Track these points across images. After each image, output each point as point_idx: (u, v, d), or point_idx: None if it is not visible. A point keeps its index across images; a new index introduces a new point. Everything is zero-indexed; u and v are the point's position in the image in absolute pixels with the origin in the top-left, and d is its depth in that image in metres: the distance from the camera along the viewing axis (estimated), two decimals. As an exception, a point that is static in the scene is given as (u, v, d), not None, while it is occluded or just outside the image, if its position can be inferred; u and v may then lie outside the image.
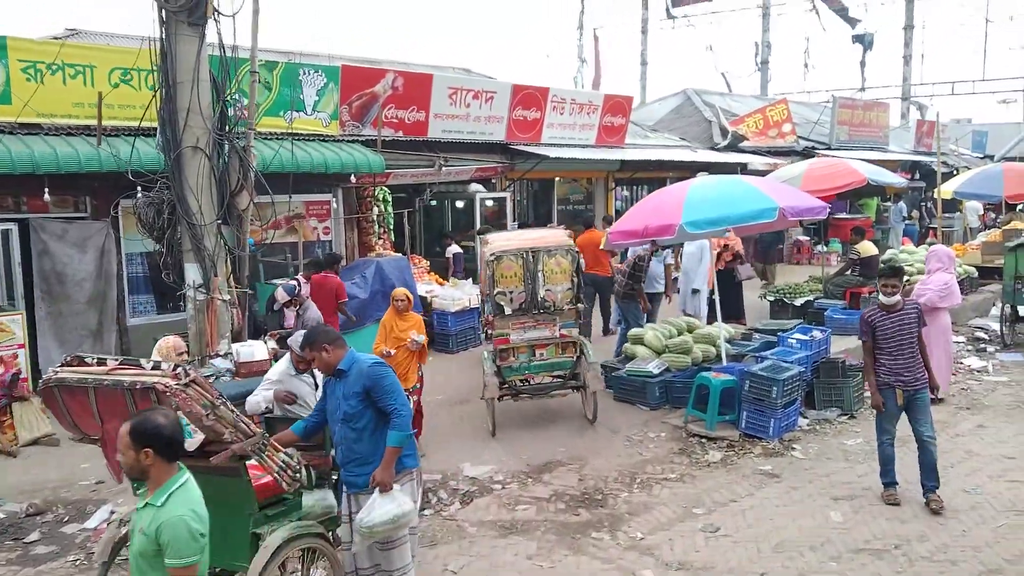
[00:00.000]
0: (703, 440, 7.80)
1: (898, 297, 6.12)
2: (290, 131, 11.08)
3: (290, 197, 11.25)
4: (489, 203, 14.66)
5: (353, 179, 11.51)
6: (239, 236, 7.94)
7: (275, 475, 4.08)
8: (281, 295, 8.32)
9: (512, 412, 8.76)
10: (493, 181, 14.57)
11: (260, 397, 5.38)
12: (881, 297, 6.15)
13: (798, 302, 11.77)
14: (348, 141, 11.75)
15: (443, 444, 7.93)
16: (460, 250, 13.27)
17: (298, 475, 4.18)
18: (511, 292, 8.04)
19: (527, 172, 14.58)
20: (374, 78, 12.01)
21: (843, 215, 22.28)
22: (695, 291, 10.37)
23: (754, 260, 15.41)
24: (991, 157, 28.10)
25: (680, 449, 7.64)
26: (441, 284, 12.38)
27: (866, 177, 11.48)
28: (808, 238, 19.63)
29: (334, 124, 11.66)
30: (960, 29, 69.86)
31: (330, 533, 4.67)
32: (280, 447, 4.20)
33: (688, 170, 17.90)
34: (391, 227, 12.56)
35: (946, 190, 15.42)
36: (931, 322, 8.76)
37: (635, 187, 18.13)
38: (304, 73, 11.25)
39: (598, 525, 6.09)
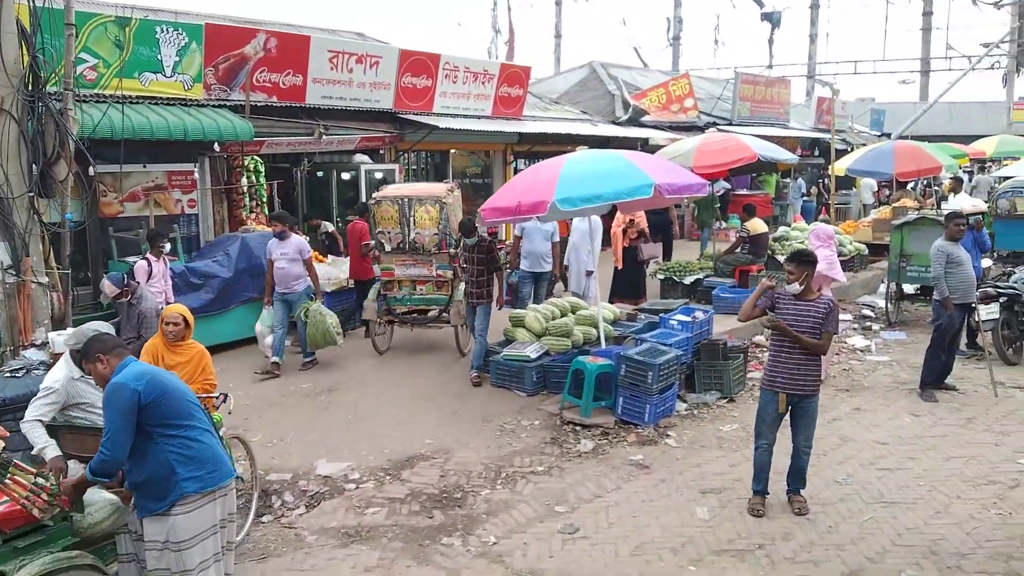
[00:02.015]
0: (577, 428, 7.40)
1: (798, 286, 5.49)
2: (148, 94, 10.12)
3: (144, 166, 10.32)
4: (379, 175, 13.90)
5: (217, 147, 10.59)
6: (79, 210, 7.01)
7: (22, 501, 3.38)
8: (108, 288, 7.06)
9: (386, 397, 8.21)
10: (381, 152, 13.82)
11: (40, 412, 4.48)
12: (785, 284, 5.72)
13: (688, 280, 11.53)
14: (215, 106, 10.81)
15: (301, 437, 7.30)
16: (333, 228, 12.49)
17: (55, 499, 3.49)
18: (389, 232, 9.64)
19: (417, 143, 13.88)
20: (243, 38, 11.07)
21: (743, 191, 22.41)
22: (589, 272, 9.95)
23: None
24: (888, 135, 28.76)
25: (552, 438, 7.21)
26: (321, 262, 11.62)
27: (757, 153, 11.27)
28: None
29: (198, 87, 10.68)
30: (863, 10, 71.81)
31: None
32: (30, 469, 3.50)
33: (589, 144, 17.56)
34: (264, 200, 11.70)
35: (839, 167, 15.48)
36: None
37: (534, 160, 17.57)
38: (162, 31, 10.22)
39: (451, 529, 5.60)
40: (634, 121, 18.92)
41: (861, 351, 9.94)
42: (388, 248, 9.64)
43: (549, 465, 6.66)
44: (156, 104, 10.15)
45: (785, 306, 5.53)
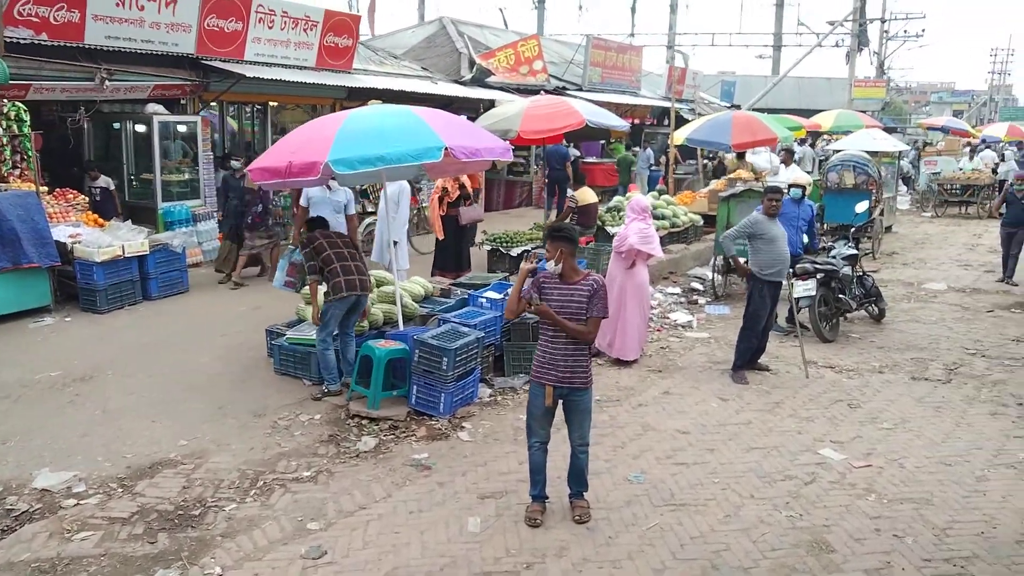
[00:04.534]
0: (364, 422, 6.57)
1: (555, 265, 4.82)
2: None
3: None
4: (182, 128, 12.41)
5: (-41, 91, 8.93)
6: None
7: None
8: None
9: (150, 388, 7.08)
10: (183, 102, 12.32)
11: None
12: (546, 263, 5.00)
13: (515, 252, 10.87)
14: (-41, 41, 9.09)
15: (26, 441, 6.09)
16: (109, 183, 11.04)
17: None
18: None
19: (224, 93, 12.47)
20: (-6, -40, 9.35)
21: (592, 159, 22.14)
22: (395, 242, 9.03)
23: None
24: (739, 107, 29.30)
25: (331, 436, 6.35)
26: (101, 226, 10.18)
27: (585, 119, 10.67)
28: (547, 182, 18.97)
29: (-63, 18, 8.94)
30: (723, -17, 73.56)
31: None
32: None
33: (431, 104, 16.56)
34: (29, 153, 10.06)
35: (678, 136, 15.23)
36: (628, 279, 8.11)
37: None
38: None
39: (172, 558, 4.64)
40: (479, 82, 18.04)
41: (683, 327, 9.60)
42: None
43: (318, 469, 5.79)
44: None
45: (550, 289, 4.86)
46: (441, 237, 10.27)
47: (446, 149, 6.17)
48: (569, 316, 4.80)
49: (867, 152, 15.54)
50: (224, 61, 12.13)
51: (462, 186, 9.98)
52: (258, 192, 10.35)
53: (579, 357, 4.85)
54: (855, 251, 9.69)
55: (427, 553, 4.67)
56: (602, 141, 22.15)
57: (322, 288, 6.98)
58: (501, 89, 18.14)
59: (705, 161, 19.83)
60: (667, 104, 24.59)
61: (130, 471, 5.72)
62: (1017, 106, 67.49)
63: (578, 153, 20.05)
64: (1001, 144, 27.06)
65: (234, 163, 10.94)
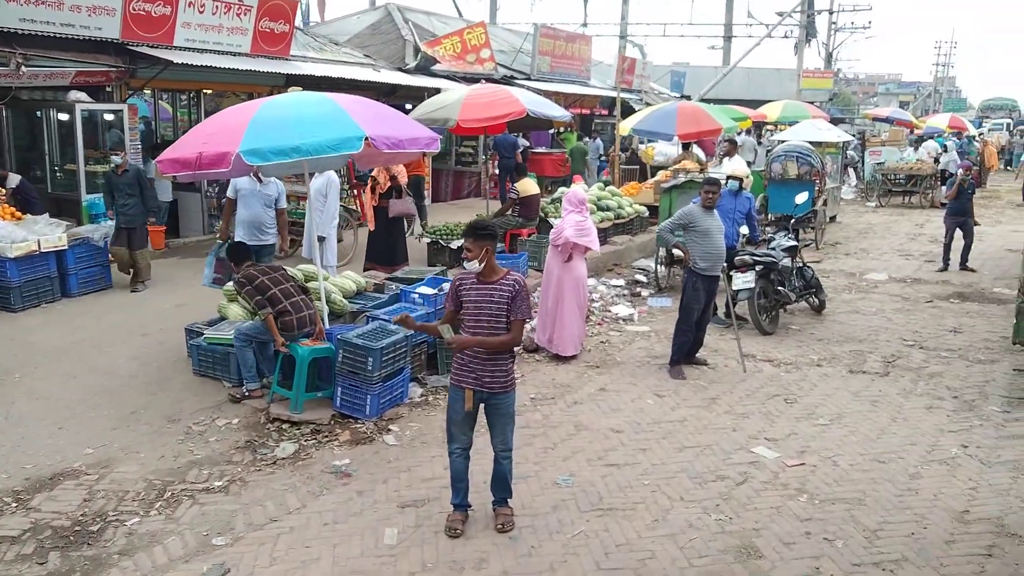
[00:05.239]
0: (285, 427, 6.27)
1: (477, 264, 4.53)
2: None
3: None
4: (109, 116, 11.86)
5: None
6: None
7: None
8: None
9: (60, 391, 6.68)
10: (109, 89, 11.76)
11: None
12: (464, 264, 4.75)
13: (455, 245, 10.58)
14: None
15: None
16: (16, 180, 10.42)
17: None
18: None
19: (152, 80, 11.94)
20: None
21: (542, 149, 21.90)
22: (321, 238, 8.70)
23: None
24: (688, 97, 29.32)
25: (248, 442, 6.03)
26: (20, 219, 9.64)
27: (526, 108, 10.41)
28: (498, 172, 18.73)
29: None
30: (676, -26, 73.72)
31: None
32: None
33: (373, 92, 16.16)
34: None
35: (624, 127, 15.09)
36: (565, 273, 7.92)
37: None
38: None
39: (60, 580, 4.31)
40: (424, 70, 17.65)
41: (624, 320, 9.44)
42: None
43: (231, 478, 5.48)
44: None
45: (467, 290, 4.61)
46: (372, 228, 9.95)
47: (367, 139, 5.88)
48: (488, 317, 4.56)
49: (811, 143, 15.58)
50: (152, 47, 11.59)
51: (393, 178, 9.65)
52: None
53: (499, 360, 4.62)
54: (795, 242, 9.62)
55: (338, 570, 4.41)
56: (551, 131, 21.88)
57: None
58: (447, 78, 17.77)
59: (621, 152, 19.73)
60: (612, 93, 24.52)
61: (28, 483, 5.35)
62: (960, 97, 69.14)
63: (527, 143, 19.80)
64: (944, 135, 27.52)
65: (114, 159, 9.82)
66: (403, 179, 10.11)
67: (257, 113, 5.94)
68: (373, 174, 9.70)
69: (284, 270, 6.86)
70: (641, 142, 15.00)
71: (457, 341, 4.53)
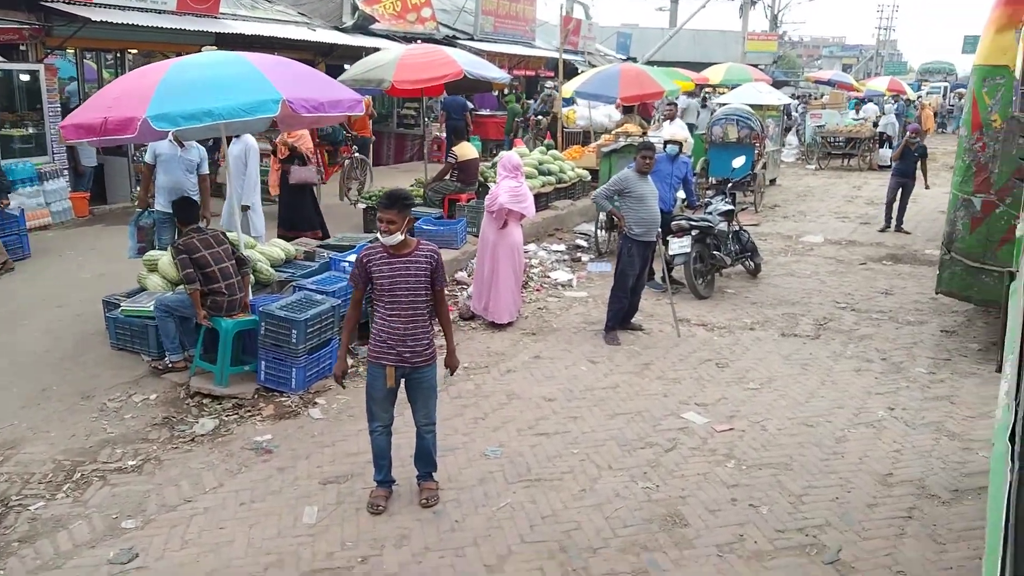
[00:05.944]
0: (204, 401, 6.04)
1: (399, 237, 4.34)
2: None
3: None
4: (24, 76, 11.21)
5: None
6: None
7: None
8: None
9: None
10: (23, 48, 11.11)
11: None
12: (379, 235, 4.52)
13: (391, 210, 10.31)
14: None
15: None
16: None
17: None
18: None
19: (70, 38, 11.31)
20: None
21: (486, 111, 21.55)
22: (245, 207, 8.35)
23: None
24: (635, 59, 29.15)
25: (166, 418, 5.80)
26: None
27: (463, 69, 10.13)
28: (442, 135, 18.38)
29: None
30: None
31: None
32: None
33: (309, 52, 15.64)
34: None
35: (567, 89, 14.88)
36: (500, 239, 7.77)
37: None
38: None
39: (-46, 571, 4.08)
40: (362, 29, 17.12)
41: (562, 286, 9.35)
42: None
43: (146, 457, 5.26)
44: None
45: (380, 266, 4.43)
46: (274, 192, 9.70)
47: (284, 102, 5.60)
48: (406, 290, 4.40)
49: (752, 106, 15.59)
50: (67, 2, 10.95)
51: (293, 148, 9.30)
52: None
53: (419, 334, 4.47)
54: (731, 206, 9.61)
55: (252, 551, 4.25)
56: (495, 93, 21.51)
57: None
58: (386, 37, 17.27)
59: (539, 116, 19.47)
60: (557, 55, 24.18)
61: (-73, 467, 5.06)
62: (901, 61, 70.23)
63: (471, 105, 19.44)
64: (884, 97, 27.90)
65: None
66: (306, 146, 9.65)
67: (166, 75, 5.60)
68: (276, 140, 9.38)
69: (228, 243, 6.53)
70: (627, 110, 14.79)
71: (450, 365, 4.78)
